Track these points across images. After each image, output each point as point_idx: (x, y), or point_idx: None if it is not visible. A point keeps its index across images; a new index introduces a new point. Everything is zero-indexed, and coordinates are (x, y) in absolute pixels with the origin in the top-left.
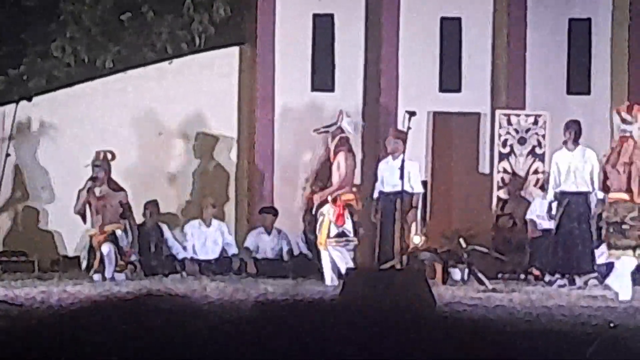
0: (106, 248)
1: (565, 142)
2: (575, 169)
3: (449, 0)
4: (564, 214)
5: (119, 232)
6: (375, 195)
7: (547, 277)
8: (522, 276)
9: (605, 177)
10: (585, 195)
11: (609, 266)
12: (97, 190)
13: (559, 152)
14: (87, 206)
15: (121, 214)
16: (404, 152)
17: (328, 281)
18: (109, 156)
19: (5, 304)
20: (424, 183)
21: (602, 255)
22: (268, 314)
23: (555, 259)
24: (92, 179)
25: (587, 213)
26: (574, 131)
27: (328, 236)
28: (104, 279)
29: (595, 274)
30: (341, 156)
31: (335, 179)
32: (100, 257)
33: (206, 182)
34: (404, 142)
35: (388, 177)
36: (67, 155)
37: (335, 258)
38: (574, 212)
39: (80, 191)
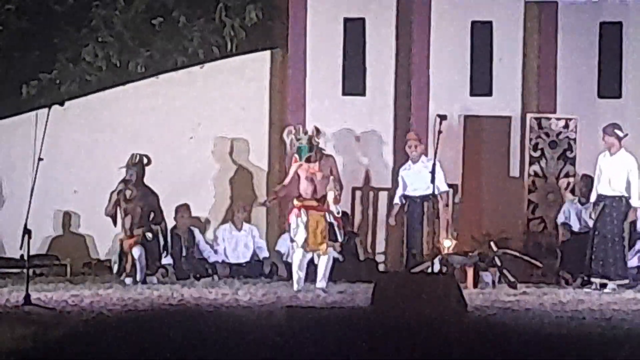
0: (137, 251)
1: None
2: (612, 172)
3: (480, 4)
4: (599, 217)
5: (149, 235)
6: (396, 200)
7: (579, 281)
8: (553, 280)
9: None
10: (620, 199)
11: None
12: (127, 193)
13: (602, 155)
14: (118, 208)
15: (152, 219)
16: (435, 155)
17: (320, 284)
18: (145, 160)
19: (38, 307)
20: (454, 186)
21: (633, 258)
22: (299, 320)
23: (588, 262)
24: (124, 181)
25: (621, 217)
26: (607, 135)
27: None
28: (135, 282)
29: (627, 280)
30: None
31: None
32: (132, 260)
33: (237, 185)
34: (422, 144)
35: (412, 181)
36: (99, 160)
37: (330, 262)
38: (608, 216)
39: (112, 193)
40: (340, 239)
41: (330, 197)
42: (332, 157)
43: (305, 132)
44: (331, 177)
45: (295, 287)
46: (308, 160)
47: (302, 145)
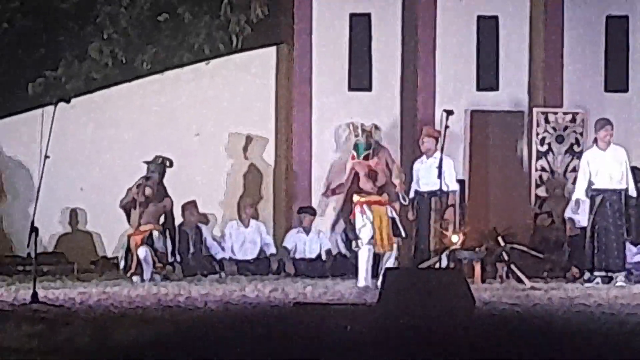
0: (142, 252)
1: (595, 140)
2: (608, 167)
3: None
4: (598, 211)
5: (155, 234)
6: (412, 194)
7: (586, 275)
8: (561, 274)
9: None
10: (619, 192)
11: None
12: (147, 190)
13: (590, 150)
14: (133, 202)
15: (163, 223)
16: (442, 150)
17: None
18: (167, 163)
19: (46, 305)
20: (462, 182)
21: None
22: (307, 316)
23: (590, 256)
24: (145, 177)
25: (621, 210)
26: (599, 129)
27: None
28: (142, 280)
29: (625, 272)
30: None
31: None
32: (137, 259)
33: (244, 182)
34: (438, 140)
35: (423, 176)
36: (105, 157)
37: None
38: (609, 210)
39: (129, 189)
40: (403, 235)
41: (397, 183)
42: (386, 148)
43: (364, 130)
44: (395, 165)
45: (362, 283)
46: (366, 158)
47: (359, 143)
